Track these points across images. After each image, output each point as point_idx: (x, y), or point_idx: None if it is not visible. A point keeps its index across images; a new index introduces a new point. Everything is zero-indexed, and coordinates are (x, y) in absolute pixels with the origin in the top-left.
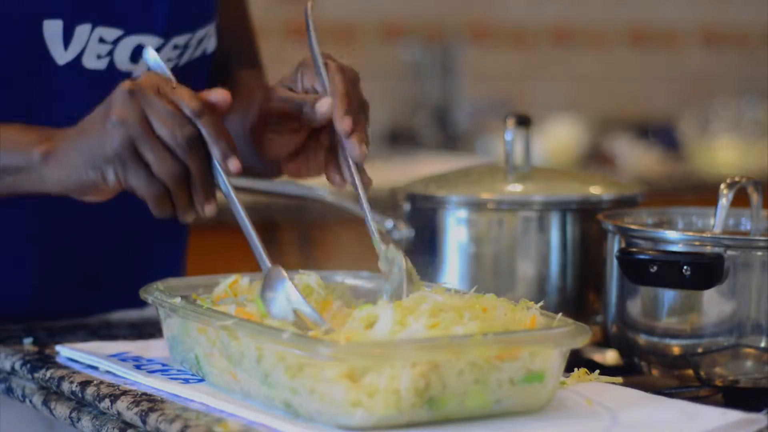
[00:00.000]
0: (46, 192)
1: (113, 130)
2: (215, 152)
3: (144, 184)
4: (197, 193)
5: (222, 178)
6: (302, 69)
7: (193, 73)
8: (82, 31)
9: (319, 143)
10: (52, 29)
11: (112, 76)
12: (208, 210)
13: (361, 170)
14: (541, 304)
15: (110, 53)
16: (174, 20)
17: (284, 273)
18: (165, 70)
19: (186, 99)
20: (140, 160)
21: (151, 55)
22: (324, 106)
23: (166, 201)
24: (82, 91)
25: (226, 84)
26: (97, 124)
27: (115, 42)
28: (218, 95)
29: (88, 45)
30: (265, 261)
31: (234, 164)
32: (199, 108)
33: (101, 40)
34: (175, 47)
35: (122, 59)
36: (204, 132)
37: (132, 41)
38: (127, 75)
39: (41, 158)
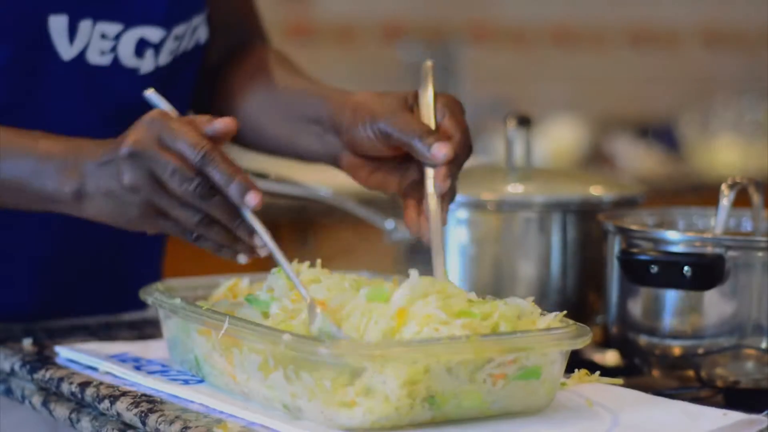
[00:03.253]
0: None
1: (128, 198)
2: (231, 195)
3: (179, 233)
4: (238, 230)
5: (247, 217)
6: (413, 104)
7: (184, 65)
8: (85, 26)
9: (397, 166)
10: (58, 24)
11: (116, 73)
12: (258, 241)
13: (442, 207)
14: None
15: (114, 49)
16: (173, 9)
17: (319, 308)
18: (167, 107)
19: (189, 145)
20: (166, 215)
21: (151, 95)
22: (442, 153)
23: (207, 242)
24: (86, 87)
25: (246, 59)
26: (114, 185)
27: (117, 37)
28: (223, 124)
29: (91, 41)
30: (303, 294)
31: (252, 198)
32: (202, 153)
33: (103, 36)
34: (176, 38)
35: (126, 54)
36: (214, 176)
37: (134, 35)
38: (132, 71)
39: (73, 197)
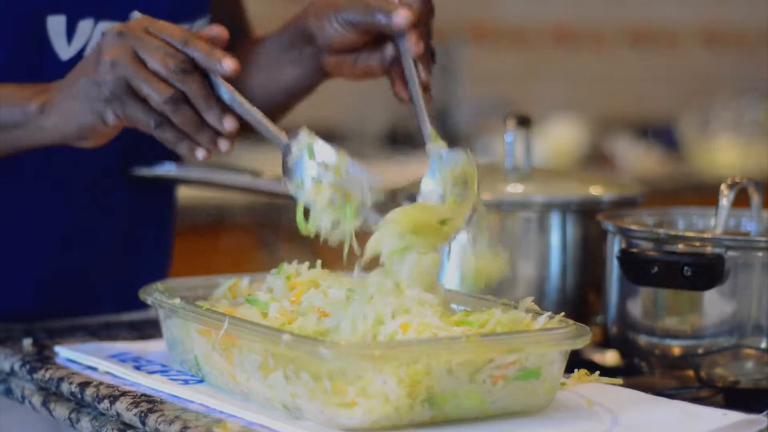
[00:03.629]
0: (46, 143)
1: (106, 72)
2: (209, 63)
3: (143, 116)
4: (208, 113)
5: (224, 90)
6: None
7: None
8: (85, 26)
9: (374, 49)
10: (56, 25)
11: None
12: (228, 124)
13: (421, 72)
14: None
15: None
16: (175, 10)
17: (307, 134)
18: None
19: (174, 34)
20: (137, 96)
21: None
22: (403, 18)
23: (170, 130)
24: None
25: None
26: (90, 68)
27: None
28: (214, 30)
29: (91, 40)
30: (280, 138)
31: (229, 63)
32: (187, 36)
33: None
34: None
35: None
36: (195, 54)
37: None
38: None
39: (38, 109)
